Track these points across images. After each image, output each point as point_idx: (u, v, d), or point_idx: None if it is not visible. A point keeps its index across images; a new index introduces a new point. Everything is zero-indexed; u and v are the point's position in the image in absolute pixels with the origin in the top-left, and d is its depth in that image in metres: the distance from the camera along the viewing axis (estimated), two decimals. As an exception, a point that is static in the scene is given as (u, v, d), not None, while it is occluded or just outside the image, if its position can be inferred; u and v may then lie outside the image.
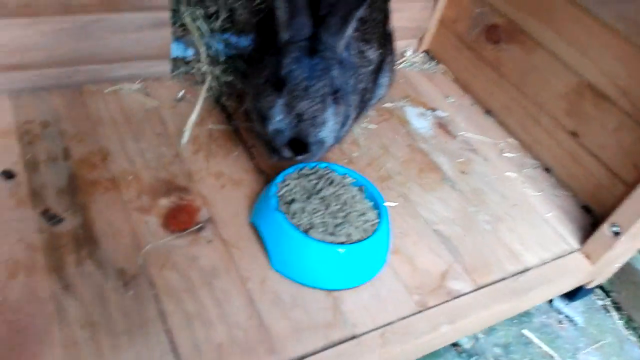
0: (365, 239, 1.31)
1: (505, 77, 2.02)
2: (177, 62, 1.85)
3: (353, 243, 1.30)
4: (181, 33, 1.85)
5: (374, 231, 1.34)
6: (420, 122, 1.95)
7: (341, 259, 1.28)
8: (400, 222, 1.53)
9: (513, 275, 1.47)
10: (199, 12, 1.86)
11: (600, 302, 1.83)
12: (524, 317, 1.68)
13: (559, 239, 1.63)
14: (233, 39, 1.93)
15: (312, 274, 1.30)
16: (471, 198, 1.68)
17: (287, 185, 1.39)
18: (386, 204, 1.43)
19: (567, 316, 1.74)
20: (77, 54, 1.62)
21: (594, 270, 1.60)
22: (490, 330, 1.61)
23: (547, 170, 1.88)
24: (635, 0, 1.55)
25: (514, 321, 1.66)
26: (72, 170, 1.41)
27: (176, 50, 1.84)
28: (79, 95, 1.64)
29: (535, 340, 1.63)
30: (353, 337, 1.22)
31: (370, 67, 1.58)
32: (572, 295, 1.76)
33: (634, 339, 1.75)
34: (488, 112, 2.09)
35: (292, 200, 1.35)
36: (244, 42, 1.94)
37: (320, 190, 1.39)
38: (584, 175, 1.77)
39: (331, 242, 1.28)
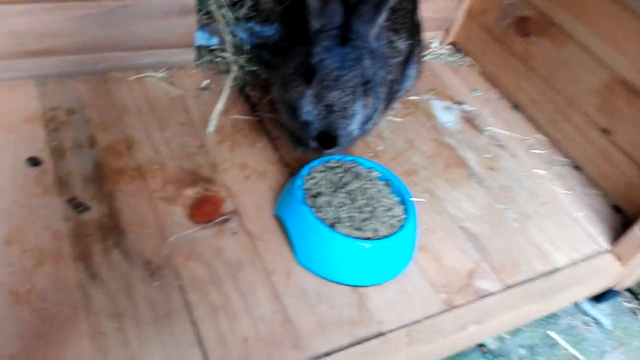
0: (392, 235, 1.29)
1: (534, 71, 1.97)
2: (201, 50, 1.83)
3: (380, 239, 1.28)
4: (206, 21, 1.83)
5: (401, 227, 1.32)
6: (446, 116, 1.91)
7: (367, 254, 1.26)
8: (426, 219, 1.51)
9: (542, 276, 1.44)
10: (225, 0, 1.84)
11: (627, 305, 1.79)
12: (550, 318, 1.65)
13: (589, 239, 1.60)
14: (257, 28, 1.91)
15: (338, 269, 1.28)
16: (499, 195, 1.65)
17: (312, 178, 1.37)
18: (412, 199, 1.41)
19: (593, 318, 1.71)
20: (102, 41, 1.61)
21: (624, 271, 1.57)
22: (515, 331, 1.58)
23: (577, 168, 1.84)
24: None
25: (540, 322, 1.63)
26: (98, 158, 1.40)
27: (200, 38, 1.82)
28: (104, 83, 1.63)
29: (561, 342, 1.60)
30: (379, 335, 1.21)
31: (399, 58, 1.55)
32: (599, 297, 1.72)
33: (661, 342, 1.72)
34: (516, 106, 2.05)
35: (318, 194, 1.33)
36: (268, 31, 1.92)
37: (347, 183, 1.37)
38: (615, 174, 1.73)
39: (358, 237, 1.26)
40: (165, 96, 1.65)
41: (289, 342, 1.15)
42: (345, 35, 1.28)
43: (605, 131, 1.74)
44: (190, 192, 1.39)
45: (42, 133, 1.43)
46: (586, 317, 1.70)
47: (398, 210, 1.36)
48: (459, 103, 1.99)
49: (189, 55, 1.78)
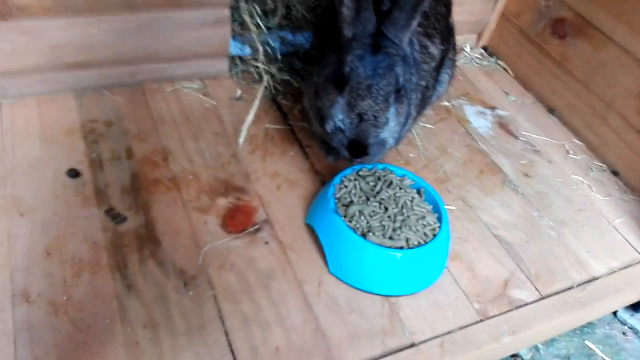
0: (424, 244, 1.28)
1: (570, 74, 1.93)
2: (233, 60, 1.85)
3: (412, 248, 1.27)
4: (240, 31, 1.85)
5: (434, 236, 1.31)
6: (479, 121, 1.89)
7: (399, 264, 1.25)
8: (459, 227, 1.49)
9: (579, 285, 1.41)
10: (258, 9, 1.85)
11: (668, 314, 1.73)
12: (586, 327, 1.61)
13: (627, 247, 1.55)
14: (289, 36, 1.92)
15: (369, 279, 1.28)
16: (534, 202, 1.62)
17: (344, 187, 1.38)
18: (445, 207, 1.39)
19: (631, 327, 1.66)
20: (139, 53, 1.65)
21: (665, 280, 1.52)
22: (550, 341, 1.55)
23: (615, 173, 1.79)
24: None
25: (576, 332, 1.59)
26: (134, 169, 1.44)
27: (233, 48, 1.85)
28: (141, 94, 1.67)
29: (598, 352, 1.55)
30: (411, 345, 1.20)
31: (433, 64, 1.53)
32: (637, 306, 1.67)
33: (703, 353, 1.66)
34: (551, 111, 2.01)
35: (350, 203, 1.33)
36: (300, 39, 1.93)
37: (379, 192, 1.36)
38: (656, 180, 1.68)
39: (389, 247, 1.26)
40: (200, 106, 1.68)
41: (320, 353, 1.15)
42: (378, 43, 1.27)
43: (645, 135, 1.70)
44: (223, 202, 1.41)
45: (82, 145, 1.47)
46: (624, 327, 1.65)
47: (431, 218, 1.35)
48: (493, 108, 1.96)
49: (223, 65, 1.80)
